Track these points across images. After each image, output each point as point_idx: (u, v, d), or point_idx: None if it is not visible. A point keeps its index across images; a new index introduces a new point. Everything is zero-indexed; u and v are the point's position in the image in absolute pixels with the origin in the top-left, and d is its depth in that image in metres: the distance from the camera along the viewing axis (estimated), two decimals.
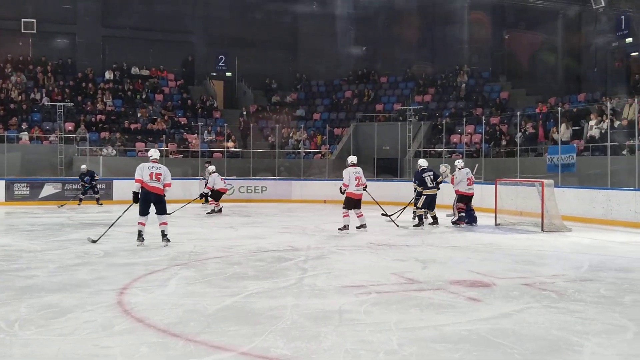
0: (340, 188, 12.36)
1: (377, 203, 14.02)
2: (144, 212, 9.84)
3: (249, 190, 21.56)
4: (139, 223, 9.80)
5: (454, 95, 26.39)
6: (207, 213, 15.90)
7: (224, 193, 16.89)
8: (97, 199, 18.88)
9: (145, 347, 4.39)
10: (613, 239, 11.20)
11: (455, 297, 6.10)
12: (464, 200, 13.35)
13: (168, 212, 10.34)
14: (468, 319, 5.23)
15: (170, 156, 23.18)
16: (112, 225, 10.71)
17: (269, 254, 8.99)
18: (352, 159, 12.72)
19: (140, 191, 9.82)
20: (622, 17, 22.37)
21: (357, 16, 30.69)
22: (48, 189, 19.46)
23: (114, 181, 20.46)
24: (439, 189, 13.28)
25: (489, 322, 5.13)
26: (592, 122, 17.44)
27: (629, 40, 22.66)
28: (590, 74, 24.74)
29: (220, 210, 16.13)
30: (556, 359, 4.24)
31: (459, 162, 13.76)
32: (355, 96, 28.45)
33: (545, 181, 12.76)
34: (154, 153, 10.43)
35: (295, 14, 31.88)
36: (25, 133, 22.58)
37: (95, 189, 18.89)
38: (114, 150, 22.93)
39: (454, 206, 13.54)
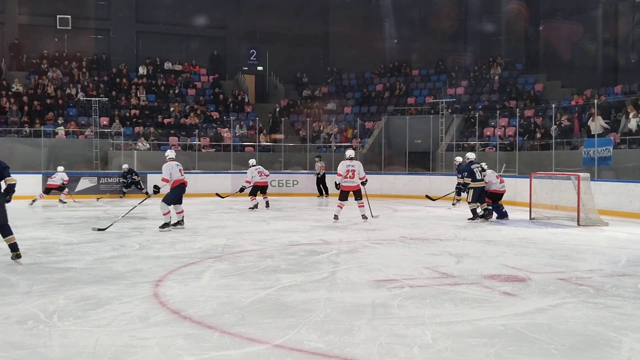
0: (335, 181, 13.22)
1: (366, 196, 14.07)
2: (176, 201, 11.35)
3: (281, 184, 21.67)
4: (167, 213, 11.06)
5: (487, 88, 26.07)
6: (249, 208, 15.83)
7: (264, 186, 16.51)
8: (146, 192, 19.36)
9: (182, 338, 4.44)
10: None
11: (489, 291, 6.04)
12: (494, 197, 13.20)
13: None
14: (503, 314, 5.18)
15: (203, 150, 23.40)
16: (124, 216, 11.78)
17: (302, 247, 9.02)
18: (350, 153, 13.29)
19: (161, 187, 11.46)
20: None
21: (389, 9, 30.52)
22: (84, 183, 19.83)
23: (148, 175, 20.73)
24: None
25: (524, 317, 5.07)
26: (631, 115, 17.10)
27: None
28: (627, 65, 24.19)
29: (255, 207, 15.88)
30: (594, 354, 4.17)
31: (483, 165, 13.66)
32: (386, 89, 28.30)
33: (581, 174, 12.56)
34: (172, 153, 11.84)
35: (326, 7, 31.87)
36: (62, 128, 22.98)
37: (139, 185, 19.73)
38: (148, 145, 23.22)
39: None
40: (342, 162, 13.03)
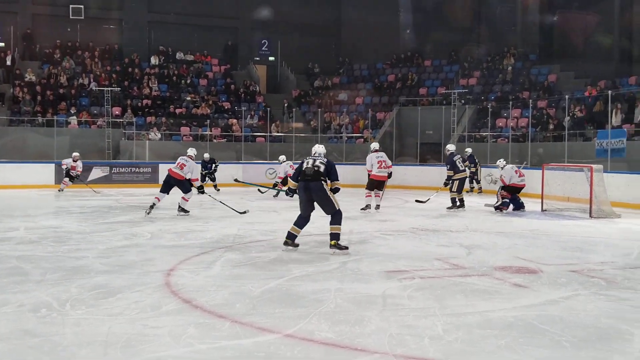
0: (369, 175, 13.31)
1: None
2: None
3: None
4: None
5: (500, 79, 25.90)
6: (273, 196, 16.49)
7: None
8: (215, 185, 18.49)
9: (193, 327, 4.47)
10: None
11: (500, 283, 6.03)
12: (513, 190, 13.13)
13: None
14: (514, 306, 5.17)
15: (214, 140, 23.45)
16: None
17: (312, 238, 9.01)
18: (375, 145, 13.56)
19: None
20: None
21: None
22: (96, 172, 19.93)
23: (160, 165, 20.82)
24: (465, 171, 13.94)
25: (535, 309, 5.06)
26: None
27: None
28: None
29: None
30: (605, 347, 4.16)
31: (501, 162, 13.88)
32: (398, 80, 28.19)
33: (594, 166, 12.48)
34: (190, 151, 12.49)
35: None
36: (74, 117, 23.11)
37: (213, 176, 18.73)
38: (159, 135, 23.29)
39: (498, 192, 13.33)
40: (370, 154, 13.24)
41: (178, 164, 11.98)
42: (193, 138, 23.63)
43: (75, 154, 18.05)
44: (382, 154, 13.32)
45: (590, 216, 12.01)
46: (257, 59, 31.13)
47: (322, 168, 7.74)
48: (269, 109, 25.14)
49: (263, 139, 24.17)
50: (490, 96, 24.58)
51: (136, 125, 23.12)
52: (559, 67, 25.10)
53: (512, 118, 21.97)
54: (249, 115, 25.20)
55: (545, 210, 13.14)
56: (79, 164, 17.84)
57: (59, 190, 17.48)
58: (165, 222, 10.71)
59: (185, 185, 11.95)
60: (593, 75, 22.89)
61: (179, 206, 11.95)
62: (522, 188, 13.27)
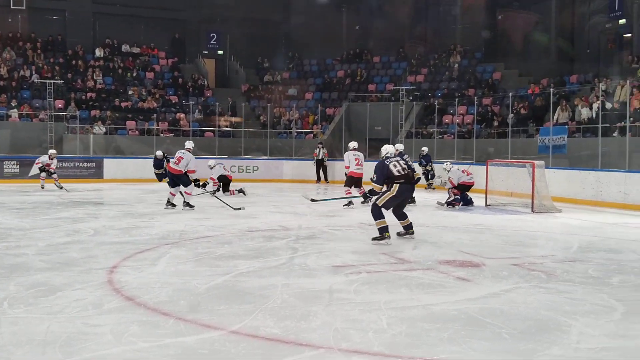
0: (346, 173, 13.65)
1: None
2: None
3: (240, 170, 21.53)
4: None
5: (447, 76, 26.31)
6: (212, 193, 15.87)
7: (230, 180, 16.23)
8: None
9: (136, 325, 4.39)
10: (602, 220, 11.28)
11: (444, 277, 6.13)
12: (463, 188, 13.39)
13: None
14: (457, 299, 5.26)
15: (161, 135, 23.10)
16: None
17: (260, 233, 8.99)
18: (354, 144, 14.00)
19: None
20: None
21: None
22: (37, 167, 19.31)
23: (105, 160, 20.39)
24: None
25: (478, 302, 5.16)
26: (579, 106, 17.51)
27: (622, 21, 22.48)
28: (583, 55, 24.67)
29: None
30: (544, 338, 4.26)
31: (447, 165, 14.13)
32: (347, 76, 28.31)
33: (536, 162, 12.81)
34: (188, 144, 12.51)
35: None
36: (15, 110, 22.39)
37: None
38: (104, 129, 22.78)
39: (449, 190, 13.56)
40: (348, 152, 13.66)
41: (176, 157, 12.03)
42: (139, 132, 23.22)
43: (52, 151, 17.53)
44: (360, 153, 13.77)
45: (532, 211, 12.32)
46: (206, 52, 30.73)
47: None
48: (217, 103, 24.88)
49: (212, 133, 23.93)
50: (437, 93, 24.95)
51: (80, 119, 22.58)
52: (503, 66, 25.67)
53: (458, 115, 22.35)
54: (197, 110, 24.90)
55: (489, 205, 13.42)
56: (55, 161, 17.25)
57: (41, 187, 16.82)
58: (109, 219, 10.51)
59: (184, 179, 12.00)
60: (536, 74, 23.50)
61: (184, 201, 11.99)
62: (472, 185, 13.55)
